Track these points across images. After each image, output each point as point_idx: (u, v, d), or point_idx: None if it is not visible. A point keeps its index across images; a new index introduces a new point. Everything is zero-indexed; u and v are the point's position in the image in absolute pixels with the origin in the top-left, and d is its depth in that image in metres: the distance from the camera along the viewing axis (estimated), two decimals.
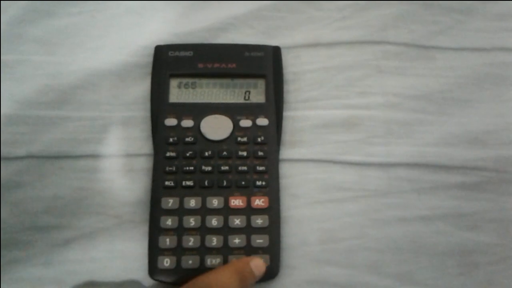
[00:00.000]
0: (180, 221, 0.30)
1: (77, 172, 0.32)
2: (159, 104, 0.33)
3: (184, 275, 0.29)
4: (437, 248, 0.31)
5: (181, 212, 0.30)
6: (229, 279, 0.27)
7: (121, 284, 0.30)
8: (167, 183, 0.31)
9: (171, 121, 0.32)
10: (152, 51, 0.34)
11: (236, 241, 0.29)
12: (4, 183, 0.32)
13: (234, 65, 0.34)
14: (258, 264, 0.29)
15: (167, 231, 0.30)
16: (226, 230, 0.30)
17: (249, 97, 0.33)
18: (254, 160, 0.31)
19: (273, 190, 0.31)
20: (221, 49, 0.35)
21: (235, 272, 0.28)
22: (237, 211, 0.30)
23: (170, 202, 0.30)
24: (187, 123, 0.32)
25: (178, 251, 0.29)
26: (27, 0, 0.37)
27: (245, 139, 0.32)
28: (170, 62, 0.34)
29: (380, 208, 0.32)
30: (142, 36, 0.36)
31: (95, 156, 0.32)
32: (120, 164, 0.32)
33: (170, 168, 0.31)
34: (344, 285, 0.30)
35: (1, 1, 0.37)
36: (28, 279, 0.30)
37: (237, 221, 0.30)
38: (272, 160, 0.32)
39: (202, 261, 0.29)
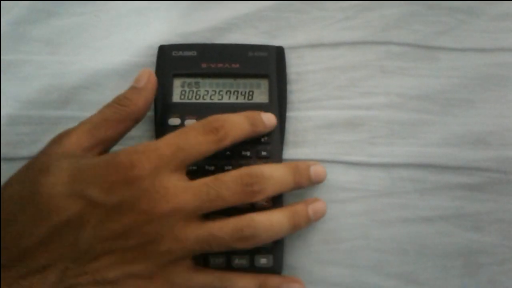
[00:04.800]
0: None
1: None
2: (162, 104, 0.33)
3: None
4: (440, 248, 0.31)
5: None
6: (240, 119, 0.29)
7: None
8: None
9: (174, 121, 0.32)
10: (155, 51, 0.35)
11: None
12: None
13: (237, 65, 0.34)
14: (269, 116, 0.31)
15: None
16: None
17: (252, 97, 0.33)
18: (257, 160, 0.31)
19: None
20: (225, 49, 0.35)
21: (247, 117, 0.30)
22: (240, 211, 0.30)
23: None
24: (191, 122, 0.32)
25: None
26: (30, 0, 0.37)
27: (248, 139, 0.32)
28: (174, 62, 0.34)
29: (383, 209, 0.32)
30: (146, 36, 0.36)
31: None
32: None
33: None
34: (347, 285, 0.30)
35: (3, 1, 0.37)
36: None
37: None
38: (275, 160, 0.32)
39: (206, 260, 0.29)
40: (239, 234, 0.27)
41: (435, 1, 0.38)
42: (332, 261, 0.30)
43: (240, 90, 0.33)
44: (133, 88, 0.30)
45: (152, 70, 0.34)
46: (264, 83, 0.34)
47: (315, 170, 0.30)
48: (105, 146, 0.29)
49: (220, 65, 0.34)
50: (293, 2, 0.37)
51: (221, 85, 0.34)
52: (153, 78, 0.31)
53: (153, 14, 0.37)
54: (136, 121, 0.30)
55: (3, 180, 0.31)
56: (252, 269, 0.29)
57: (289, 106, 0.34)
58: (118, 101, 0.30)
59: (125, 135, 0.30)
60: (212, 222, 0.27)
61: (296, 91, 0.35)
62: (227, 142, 0.28)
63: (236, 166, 0.31)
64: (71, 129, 0.29)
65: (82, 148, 0.28)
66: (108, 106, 0.30)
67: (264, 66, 0.34)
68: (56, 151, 0.28)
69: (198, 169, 0.31)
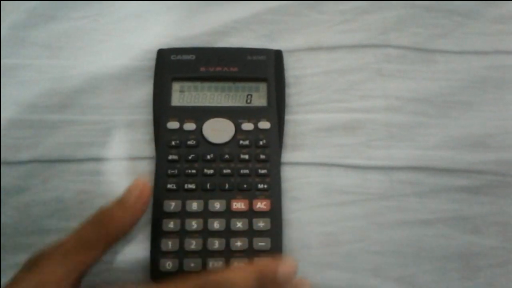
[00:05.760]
0: (182, 224, 0.30)
1: (80, 175, 0.32)
2: (161, 107, 0.33)
3: None
4: (439, 251, 0.31)
5: (183, 215, 0.30)
6: (245, 282, 0.24)
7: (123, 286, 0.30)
8: (169, 186, 0.31)
9: (173, 125, 0.32)
10: (154, 55, 0.35)
11: (238, 244, 0.29)
12: (7, 187, 0.32)
13: (236, 69, 0.34)
14: (287, 269, 0.24)
15: (169, 234, 0.30)
16: (228, 233, 0.30)
17: (251, 100, 0.33)
18: (256, 163, 0.31)
19: (275, 193, 0.31)
20: (223, 52, 0.35)
21: (257, 277, 0.24)
22: (239, 214, 0.30)
23: (172, 205, 0.30)
24: (189, 126, 0.32)
25: (180, 254, 0.29)
26: (30, 0, 0.37)
27: (247, 142, 0.32)
28: (173, 66, 0.34)
29: (381, 212, 0.32)
30: (145, 40, 0.36)
31: (98, 160, 0.33)
32: (123, 167, 0.33)
33: (172, 171, 0.31)
34: None
35: (5, 5, 0.37)
36: None
37: (239, 224, 0.30)
38: (274, 163, 0.32)
39: (204, 264, 0.29)
40: None
41: (433, 2, 0.38)
42: (331, 264, 0.30)
43: (239, 94, 0.34)
44: (120, 204, 0.26)
45: (151, 73, 0.34)
46: (262, 87, 0.34)
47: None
48: (83, 270, 0.25)
49: (218, 68, 0.34)
50: (292, 6, 0.38)
51: (220, 88, 0.34)
52: (146, 193, 0.27)
53: (152, 18, 0.37)
54: (119, 239, 0.27)
55: (3, 183, 0.32)
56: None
57: (287, 109, 0.34)
58: (101, 217, 0.26)
59: (106, 253, 0.26)
60: None
61: (295, 95, 0.35)
62: None
63: (236, 170, 0.31)
64: (44, 253, 0.25)
65: (56, 277, 0.24)
66: (88, 223, 0.26)
67: (263, 69, 0.34)
68: (29, 279, 0.24)
69: (196, 172, 0.31)
